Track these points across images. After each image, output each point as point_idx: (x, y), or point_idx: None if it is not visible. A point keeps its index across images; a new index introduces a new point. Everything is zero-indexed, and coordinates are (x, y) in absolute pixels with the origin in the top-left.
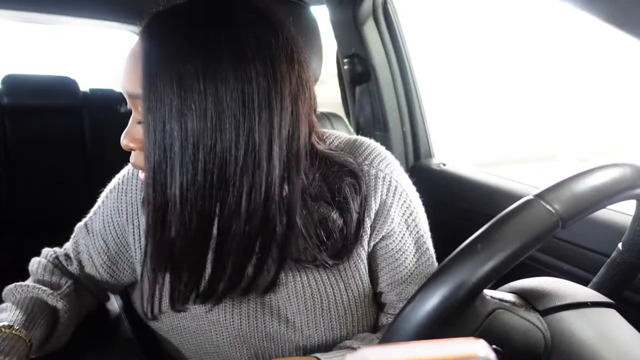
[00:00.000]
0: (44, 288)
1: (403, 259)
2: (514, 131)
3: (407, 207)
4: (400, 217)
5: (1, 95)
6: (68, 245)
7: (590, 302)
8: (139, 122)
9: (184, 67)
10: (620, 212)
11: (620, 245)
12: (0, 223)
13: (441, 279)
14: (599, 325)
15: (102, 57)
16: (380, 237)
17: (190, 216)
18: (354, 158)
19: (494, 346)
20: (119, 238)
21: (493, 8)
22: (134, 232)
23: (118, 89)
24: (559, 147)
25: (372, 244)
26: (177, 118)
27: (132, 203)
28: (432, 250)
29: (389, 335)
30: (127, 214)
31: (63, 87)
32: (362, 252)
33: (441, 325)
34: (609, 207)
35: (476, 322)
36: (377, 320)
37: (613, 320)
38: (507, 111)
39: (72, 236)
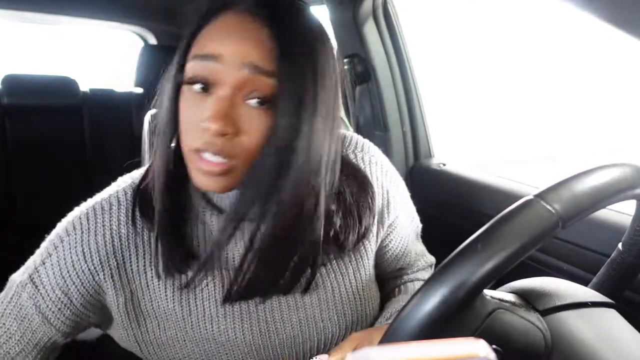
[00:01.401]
0: None
1: (405, 228)
2: (514, 131)
3: (396, 183)
4: (397, 193)
5: (1, 95)
6: None
7: (591, 302)
8: (257, 99)
9: (317, 53)
10: (620, 212)
11: (620, 245)
12: (0, 223)
13: (441, 279)
14: (599, 325)
15: (102, 57)
16: (393, 219)
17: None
18: (345, 149)
19: (494, 346)
20: (84, 287)
21: (493, 8)
22: (111, 273)
23: (118, 89)
24: (559, 147)
25: (386, 225)
26: (314, 98)
27: (104, 242)
28: (414, 209)
29: (389, 335)
30: (99, 256)
31: (63, 87)
32: (370, 235)
33: (441, 325)
34: (609, 207)
35: (476, 322)
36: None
37: (613, 320)
38: (507, 111)
39: (8, 299)
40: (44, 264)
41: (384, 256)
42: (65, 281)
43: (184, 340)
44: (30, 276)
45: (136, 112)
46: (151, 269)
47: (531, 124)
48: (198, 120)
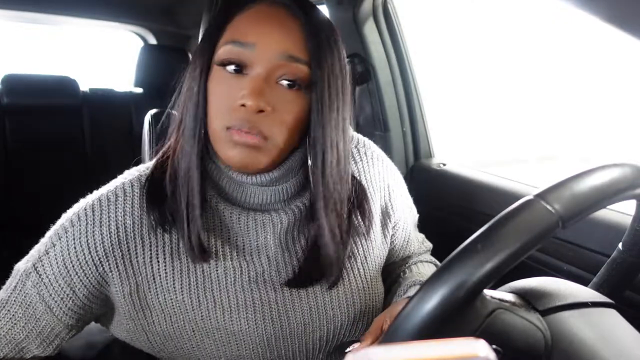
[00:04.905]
0: None
1: (406, 218)
2: (514, 131)
3: (396, 177)
4: (397, 187)
5: (1, 95)
6: None
7: (591, 302)
8: (289, 81)
9: (339, 46)
10: (620, 212)
11: (620, 245)
12: (0, 222)
13: (441, 279)
14: (599, 325)
15: (102, 57)
16: (397, 211)
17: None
18: None
19: (494, 346)
20: (87, 279)
21: (494, 8)
22: (116, 264)
23: (118, 89)
24: (559, 147)
25: (392, 218)
26: (342, 85)
27: (109, 233)
28: (411, 200)
29: (389, 335)
30: (104, 247)
31: (63, 87)
32: (377, 227)
33: (441, 325)
34: (609, 207)
35: (476, 322)
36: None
37: (613, 320)
38: (507, 111)
39: (13, 287)
40: (47, 253)
41: (392, 248)
42: (68, 272)
43: (193, 332)
44: (34, 265)
45: (136, 111)
46: (157, 262)
47: (533, 124)
48: (232, 99)
